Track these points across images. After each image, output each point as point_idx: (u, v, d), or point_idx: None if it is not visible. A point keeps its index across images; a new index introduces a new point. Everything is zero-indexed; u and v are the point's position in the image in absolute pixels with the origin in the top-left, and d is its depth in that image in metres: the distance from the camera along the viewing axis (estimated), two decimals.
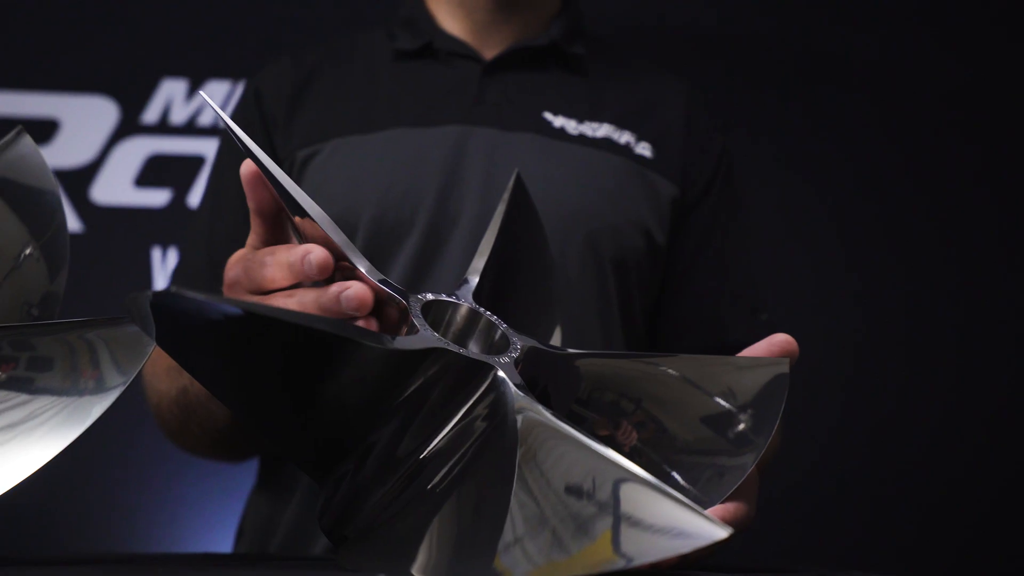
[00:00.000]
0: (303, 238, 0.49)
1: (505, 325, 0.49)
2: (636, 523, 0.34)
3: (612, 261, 0.84)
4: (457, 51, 0.90)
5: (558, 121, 0.88)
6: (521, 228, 0.61)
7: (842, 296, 1.42)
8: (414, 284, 0.81)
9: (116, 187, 1.43)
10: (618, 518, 0.34)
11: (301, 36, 1.44)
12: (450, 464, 0.42)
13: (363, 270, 0.46)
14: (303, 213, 0.47)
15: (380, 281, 0.46)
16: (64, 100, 1.45)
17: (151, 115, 1.47)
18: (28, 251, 0.55)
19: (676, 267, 0.89)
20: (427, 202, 0.83)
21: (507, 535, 0.35)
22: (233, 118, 0.93)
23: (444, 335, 0.48)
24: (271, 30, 1.47)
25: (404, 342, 0.41)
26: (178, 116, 1.47)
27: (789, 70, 1.45)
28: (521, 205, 0.61)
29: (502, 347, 0.47)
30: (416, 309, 0.45)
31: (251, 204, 0.51)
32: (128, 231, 1.42)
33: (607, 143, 0.88)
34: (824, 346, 1.37)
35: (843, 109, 1.46)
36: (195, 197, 1.45)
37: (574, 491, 0.35)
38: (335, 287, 0.45)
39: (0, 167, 0.56)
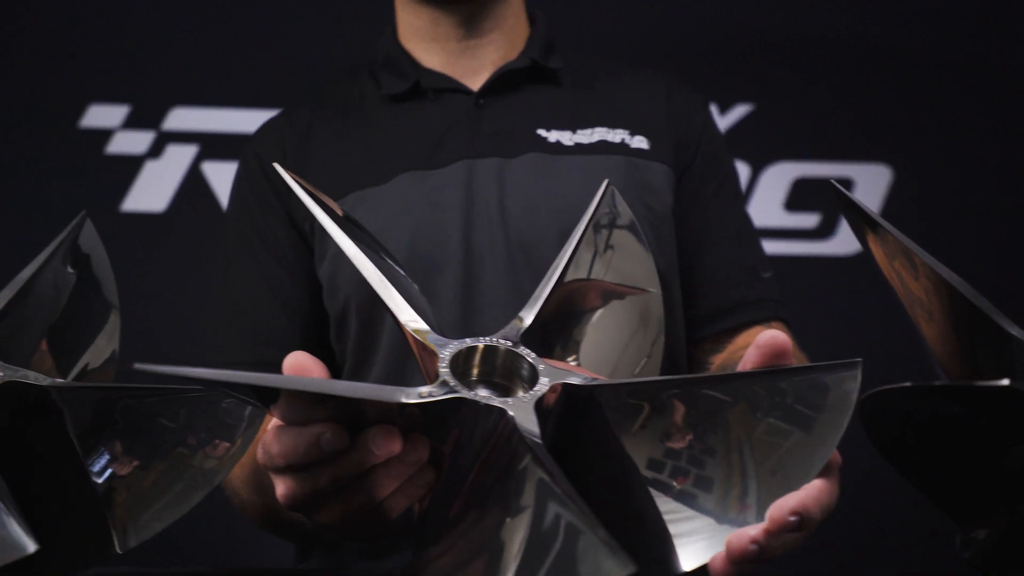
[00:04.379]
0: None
1: None
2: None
3: None
4: (444, 87, 0.92)
5: (553, 136, 0.90)
6: None
7: None
8: (459, 324, 0.83)
9: None
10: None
11: None
12: None
13: None
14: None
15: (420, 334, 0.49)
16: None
17: None
18: None
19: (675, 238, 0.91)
20: (454, 243, 0.85)
21: None
22: (240, 187, 0.93)
23: (492, 376, 0.51)
24: None
25: None
26: None
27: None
28: None
29: (533, 382, 0.49)
30: None
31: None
32: None
33: (603, 145, 0.90)
34: None
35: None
36: None
37: None
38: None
39: None
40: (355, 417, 0.46)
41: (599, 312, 0.57)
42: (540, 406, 0.47)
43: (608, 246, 0.58)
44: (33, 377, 0.48)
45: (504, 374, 0.51)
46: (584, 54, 0.98)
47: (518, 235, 0.84)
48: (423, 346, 0.50)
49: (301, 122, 0.92)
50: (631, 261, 0.59)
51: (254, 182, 0.91)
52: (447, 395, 0.46)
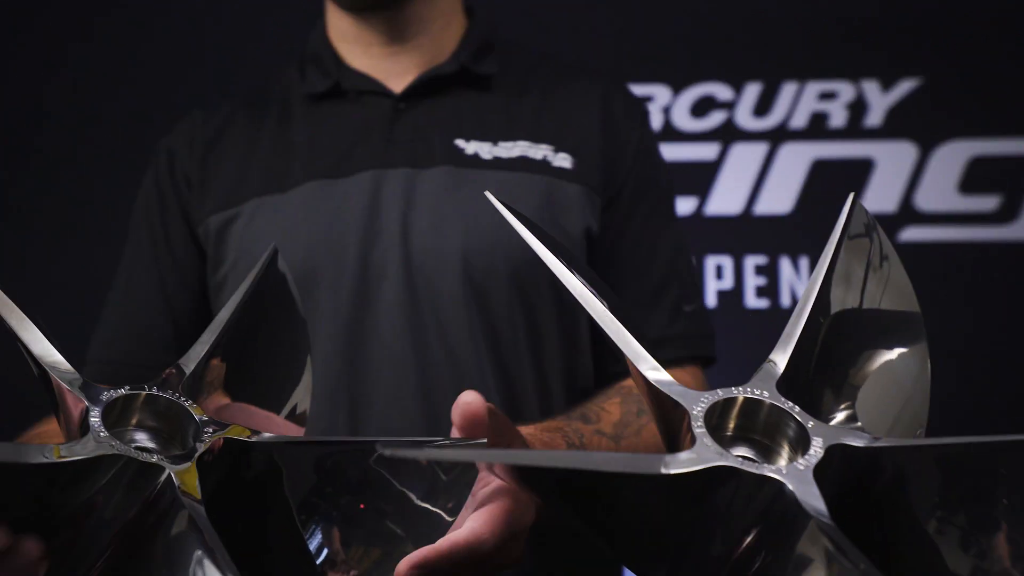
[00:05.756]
0: None
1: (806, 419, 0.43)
2: None
3: (541, 287, 0.81)
4: (365, 88, 0.87)
5: (471, 147, 0.84)
6: None
7: None
8: (350, 340, 0.80)
9: None
10: None
11: None
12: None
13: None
14: None
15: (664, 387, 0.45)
16: None
17: None
18: None
19: (598, 266, 0.84)
20: (350, 257, 0.81)
21: None
22: (147, 180, 0.91)
23: (751, 433, 0.45)
24: None
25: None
26: None
27: None
28: None
29: (801, 442, 0.43)
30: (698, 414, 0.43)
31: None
32: None
33: (522, 162, 0.84)
34: None
35: None
36: None
37: None
38: None
39: None
40: (603, 491, 0.41)
41: (879, 353, 0.50)
42: (818, 474, 0.41)
43: (879, 272, 0.51)
44: (247, 435, 0.44)
45: (766, 432, 0.45)
46: (528, 54, 0.92)
47: (420, 254, 0.81)
48: (666, 400, 0.44)
49: (216, 121, 0.90)
50: (902, 296, 0.51)
51: (159, 177, 0.90)
52: (715, 463, 0.40)
